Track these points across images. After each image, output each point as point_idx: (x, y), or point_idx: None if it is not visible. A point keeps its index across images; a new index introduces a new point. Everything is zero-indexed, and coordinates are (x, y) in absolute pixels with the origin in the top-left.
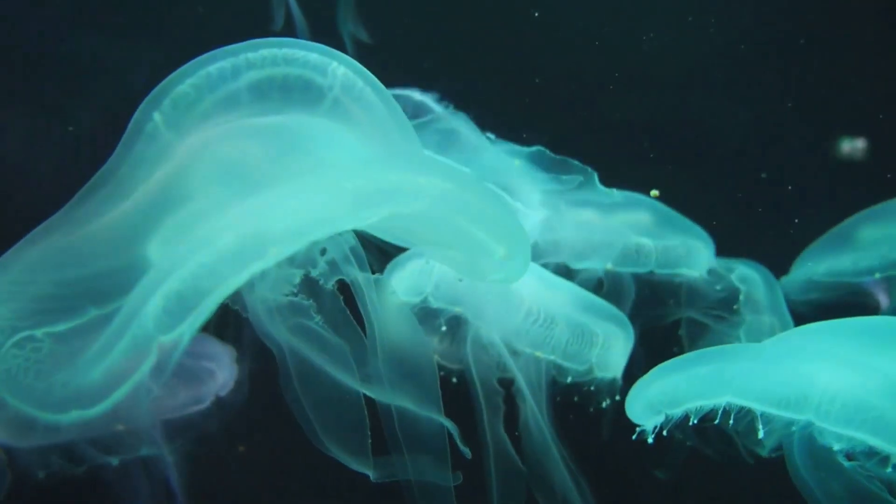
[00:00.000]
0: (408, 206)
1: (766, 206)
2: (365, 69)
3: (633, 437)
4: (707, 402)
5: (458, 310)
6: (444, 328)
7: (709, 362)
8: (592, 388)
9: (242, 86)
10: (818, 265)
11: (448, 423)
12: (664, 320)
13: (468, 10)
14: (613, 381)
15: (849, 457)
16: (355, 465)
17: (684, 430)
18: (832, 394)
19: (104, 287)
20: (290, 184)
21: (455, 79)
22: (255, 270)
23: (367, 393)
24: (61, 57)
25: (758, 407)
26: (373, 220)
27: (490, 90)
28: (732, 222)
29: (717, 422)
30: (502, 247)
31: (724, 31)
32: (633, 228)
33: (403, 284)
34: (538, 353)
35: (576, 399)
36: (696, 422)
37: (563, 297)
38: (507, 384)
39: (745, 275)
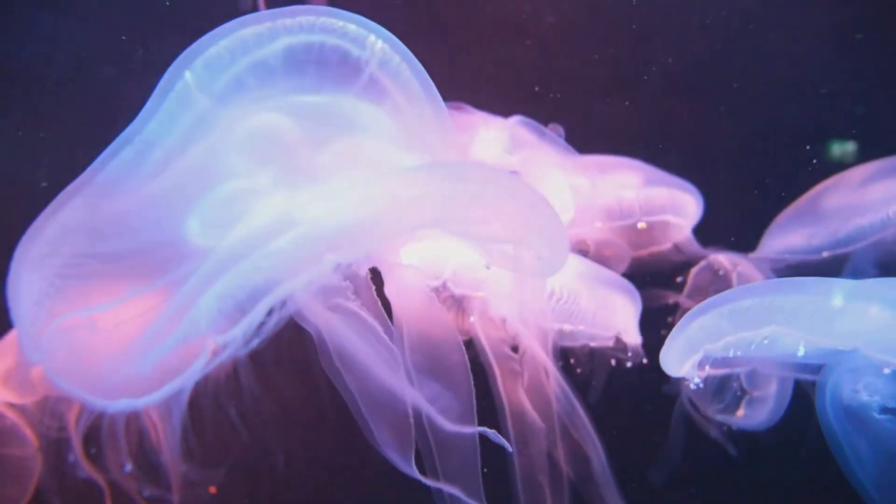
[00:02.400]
0: (463, 216)
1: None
2: (401, 44)
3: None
4: (751, 334)
5: (479, 295)
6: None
7: (754, 295)
8: (612, 353)
9: (278, 53)
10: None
11: (489, 432)
12: (656, 302)
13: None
14: (634, 344)
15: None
16: (398, 454)
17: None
18: (880, 323)
19: (144, 263)
20: (340, 186)
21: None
22: (311, 276)
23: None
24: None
25: (805, 336)
26: (429, 232)
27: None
28: (740, 220)
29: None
30: (546, 247)
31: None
32: (620, 189)
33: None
34: (568, 328)
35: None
36: (735, 354)
37: (573, 270)
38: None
39: (748, 274)
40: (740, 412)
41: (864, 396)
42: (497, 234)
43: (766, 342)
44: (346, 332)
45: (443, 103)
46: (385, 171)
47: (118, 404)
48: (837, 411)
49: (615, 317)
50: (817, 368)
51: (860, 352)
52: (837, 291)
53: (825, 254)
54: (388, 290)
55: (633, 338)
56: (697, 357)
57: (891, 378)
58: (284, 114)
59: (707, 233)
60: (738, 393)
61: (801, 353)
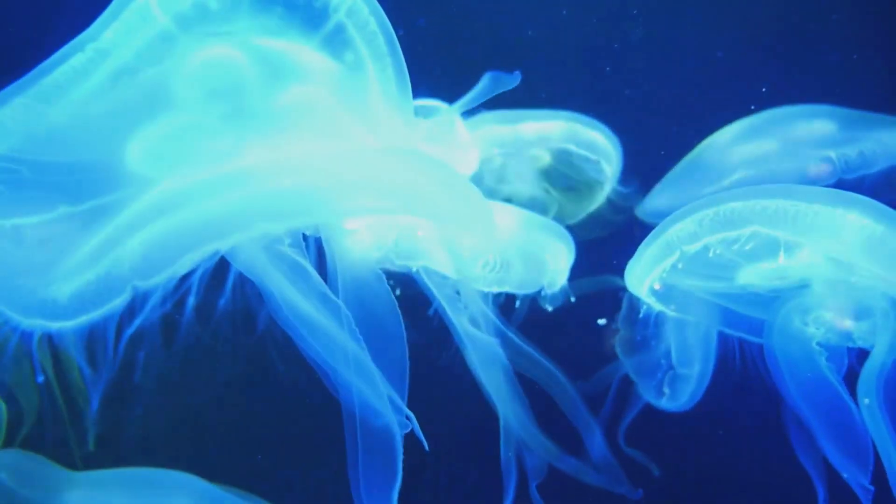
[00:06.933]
0: (401, 205)
1: None
2: None
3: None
4: (731, 234)
5: (419, 264)
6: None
7: (737, 199)
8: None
9: None
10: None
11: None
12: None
13: None
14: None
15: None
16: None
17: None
18: (855, 227)
19: (77, 182)
20: (285, 156)
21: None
22: (239, 240)
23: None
24: None
25: (785, 235)
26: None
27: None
28: None
29: None
30: (472, 235)
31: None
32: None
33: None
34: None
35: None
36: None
37: (508, 226)
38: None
39: None
40: (665, 391)
41: (812, 329)
42: (431, 219)
43: (745, 247)
44: (289, 280)
45: (404, 64)
46: (331, 148)
47: (31, 324)
48: (784, 340)
49: (543, 276)
50: (755, 327)
51: (813, 288)
52: (820, 197)
53: None
54: (329, 256)
55: (557, 286)
56: (670, 262)
57: (836, 313)
58: (244, 52)
59: None
60: (666, 370)
61: (780, 260)
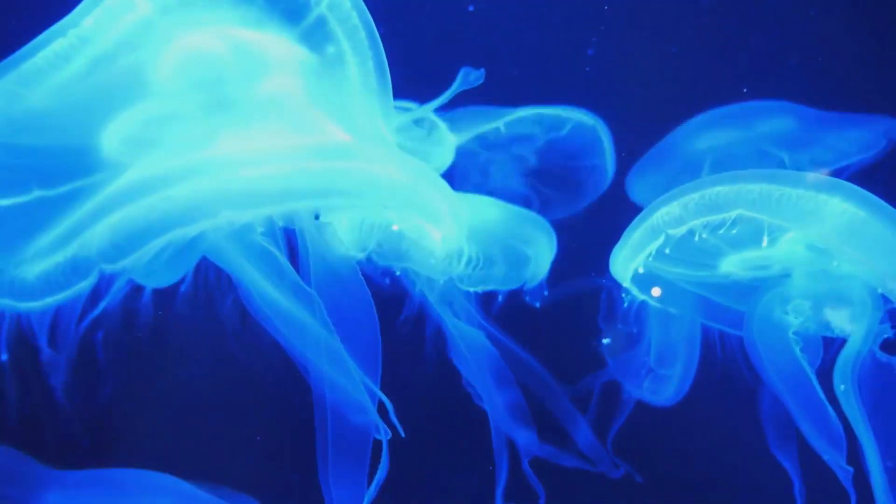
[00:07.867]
0: (369, 201)
1: None
2: None
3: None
4: (716, 217)
5: (403, 265)
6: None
7: (722, 183)
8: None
9: None
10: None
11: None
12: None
13: None
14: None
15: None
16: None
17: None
18: (840, 211)
19: (52, 166)
20: (254, 147)
21: None
22: (205, 227)
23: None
24: None
25: (769, 219)
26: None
27: None
28: None
29: None
30: (440, 231)
31: None
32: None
33: (347, 237)
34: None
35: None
36: (703, 237)
37: (489, 219)
38: None
39: None
40: (649, 386)
41: (791, 318)
42: (397, 212)
43: (730, 231)
44: (259, 271)
45: (385, 59)
46: (302, 139)
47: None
48: (764, 328)
49: (526, 270)
50: (736, 320)
51: (794, 278)
52: (804, 180)
53: None
54: (302, 246)
55: (539, 278)
56: (655, 246)
57: (816, 301)
58: (223, 42)
59: None
60: (650, 367)
61: (764, 244)
